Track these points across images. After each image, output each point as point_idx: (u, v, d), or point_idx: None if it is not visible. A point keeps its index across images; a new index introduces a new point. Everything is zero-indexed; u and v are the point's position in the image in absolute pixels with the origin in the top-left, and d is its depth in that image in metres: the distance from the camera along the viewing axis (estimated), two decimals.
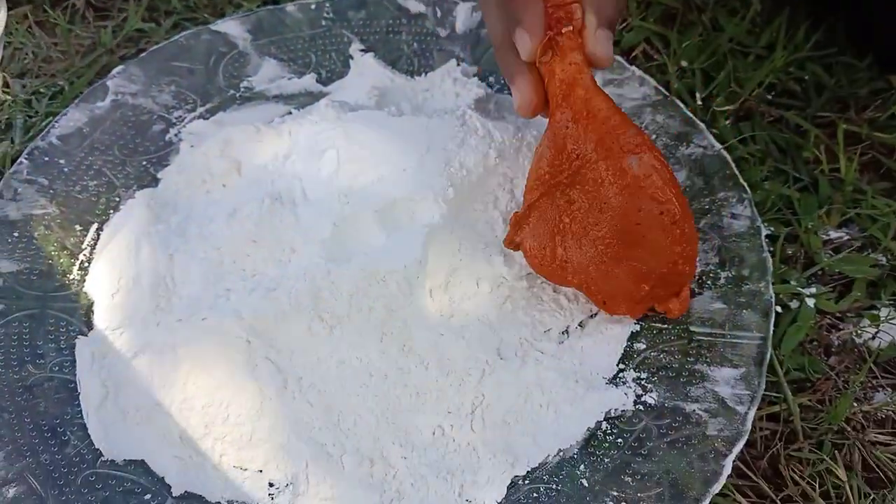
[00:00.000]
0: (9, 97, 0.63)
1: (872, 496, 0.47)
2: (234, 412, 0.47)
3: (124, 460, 0.47)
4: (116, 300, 0.52)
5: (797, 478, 0.48)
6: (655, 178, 0.45)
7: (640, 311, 0.50)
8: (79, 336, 0.51)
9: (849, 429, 0.50)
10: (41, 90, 0.64)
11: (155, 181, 0.57)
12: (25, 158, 0.57)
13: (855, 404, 0.50)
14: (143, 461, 0.47)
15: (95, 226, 0.55)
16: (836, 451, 0.49)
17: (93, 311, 0.52)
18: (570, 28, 0.46)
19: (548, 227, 0.48)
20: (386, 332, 0.49)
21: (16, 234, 0.54)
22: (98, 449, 0.47)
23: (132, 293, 0.51)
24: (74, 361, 0.50)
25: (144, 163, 0.58)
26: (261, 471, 0.47)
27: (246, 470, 0.47)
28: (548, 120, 0.48)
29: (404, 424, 0.48)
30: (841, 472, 0.48)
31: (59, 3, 0.69)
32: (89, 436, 0.48)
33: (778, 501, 0.47)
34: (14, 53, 0.66)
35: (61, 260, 0.54)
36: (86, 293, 0.53)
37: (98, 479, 0.46)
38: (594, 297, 0.49)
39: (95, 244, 0.55)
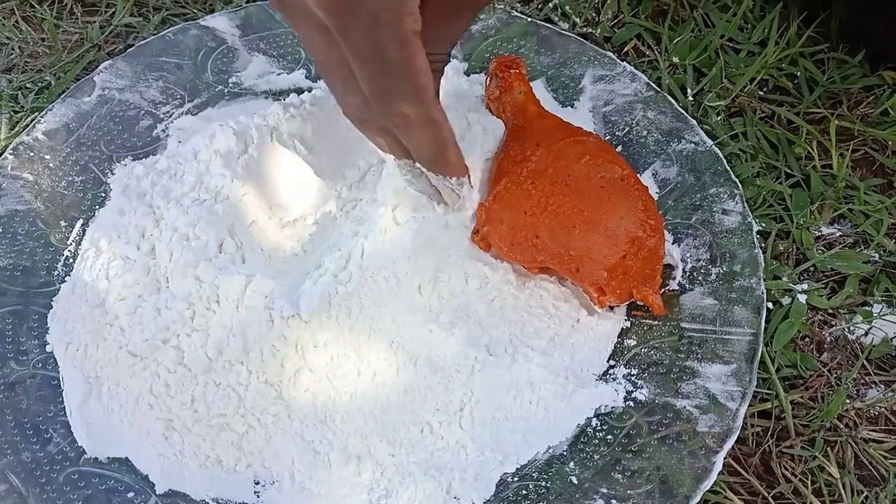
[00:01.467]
0: None
1: (865, 493, 0.47)
2: (219, 410, 0.46)
3: (108, 458, 0.47)
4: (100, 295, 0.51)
5: (789, 475, 0.48)
6: (611, 150, 0.53)
7: (619, 292, 0.50)
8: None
9: (841, 426, 0.49)
10: (27, 85, 0.63)
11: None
12: (10, 153, 0.56)
13: (847, 401, 0.50)
14: (126, 459, 0.47)
15: (81, 221, 0.55)
16: (828, 449, 0.48)
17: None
18: (516, 71, 0.56)
19: (517, 210, 0.51)
20: (374, 328, 0.48)
21: (0, 230, 0.54)
22: (81, 446, 0.47)
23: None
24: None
25: (131, 158, 0.58)
26: (247, 468, 0.46)
27: (231, 467, 0.46)
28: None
29: (392, 422, 0.47)
30: (833, 470, 0.47)
31: None
32: (72, 433, 0.47)
33: (770, 499, 0.47)
34: (0, 48, 0.65)
35: (46, 256, 0.53)
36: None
37: (81, 477, 0.46)
38: (568, 267, 0.49)
39: (80, 240, 0.54)
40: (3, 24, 0.66)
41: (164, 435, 0.47)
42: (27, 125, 0.59)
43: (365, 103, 0.42)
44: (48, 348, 0.50)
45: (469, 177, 0.50)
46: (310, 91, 0.60)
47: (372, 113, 0.42)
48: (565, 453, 0.47)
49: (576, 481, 0.46)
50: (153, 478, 0.46)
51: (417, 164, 0.47)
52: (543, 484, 0.46)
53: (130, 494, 0.45)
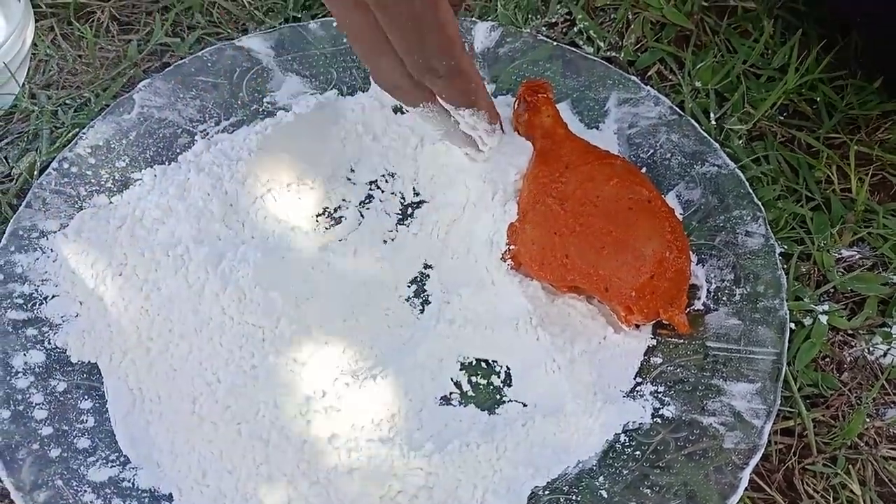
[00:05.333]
0: (35, 108, 0.64)
1: None
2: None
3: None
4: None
5: (811, 491, 0.49)
6: (638, 172, 0.55)
7: (646, 311, 0.51)
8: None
9: (862, 444, 0.51)
10: (67, 101, 0.65)
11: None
12: (54, 169, 0.58)
13: (868, 420, 0.51)
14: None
15: None
16: (849, 466, 0.50)
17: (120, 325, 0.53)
18: (544, 95, 0.58)
19: (547, 230, 0.52)
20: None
21: (45, 244, 0.55)
22: (126, 455, 0.48)
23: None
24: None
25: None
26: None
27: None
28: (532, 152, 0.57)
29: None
30: (855, 487, 0.49)
31: (83, 17, 0.70)
32: (117, 442, 0.49)
33: None
34: (39, 65, 0.67)
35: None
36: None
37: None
38: (597, 286, 0.51)
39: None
40: (42, 41, 0.68)
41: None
42: (68, 141, 0.61)
43: (397, 66, 0.46)
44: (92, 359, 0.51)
45: (501, 123, 0.55)
46: None
47: (404, 75, 0.47)
48: (595, 468, 0.48)
49: (605, 495, 0.47)
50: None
51: (452, 113, 0.51)
52: (574, 498, 0.47)
53: None
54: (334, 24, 0.66)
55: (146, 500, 0.46)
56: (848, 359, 0.54)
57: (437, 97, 0.50)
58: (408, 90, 0.49)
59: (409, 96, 0.50)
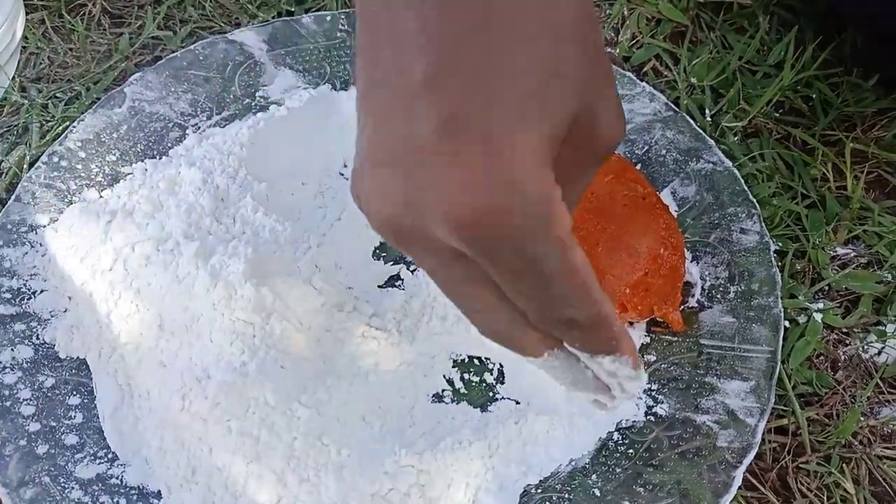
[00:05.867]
0: (25, 101, 0.63)
1: None
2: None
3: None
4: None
5: (805, 490, 0.49)
6: (633, 169, 0.55)
7: (640, 308, 0.51)
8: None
9: (856, 443, 0.50)
10: (57, 95, 0.64)
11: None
12: (43, 163, 0.57)
13: (862, 418, 0.51)
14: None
15: None
16: (843, 465, 0.49)
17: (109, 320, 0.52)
18: None
19: None
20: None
21: (34, 238, 0.55)
22: (114, 452, 0.48)
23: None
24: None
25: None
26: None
27: None
28: None
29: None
30: (849, 486, 0.48)
31: (75, 10, 0.70)
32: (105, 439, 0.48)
33: None
34: (30, 58, 0.66)
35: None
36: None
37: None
38: None
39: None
40: (33, 34, 0.67)
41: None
42: (59, 135, 0.60)
43: (516, 320, 0.36)
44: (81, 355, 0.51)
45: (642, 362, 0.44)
46: None
47: (524, 326, 0.36)
48: (587, 466, 0.48)
49: (598, 494, 0.47)
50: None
51: (586, 361, 0.39)
52: (566, 496, 0.47)
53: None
54: (328, 17, 0.65)
55: (134, 497, 0.46)
56: (842, 357, 0.54)
57: (570, 346, 0.38)
58: (529, 343, 0.38)
59: (530, 348, 0.38)
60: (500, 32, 0.29)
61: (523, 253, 0.31)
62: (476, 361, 0.52)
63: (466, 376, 0.52)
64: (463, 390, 0.51)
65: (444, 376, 0.51)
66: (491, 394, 0.51)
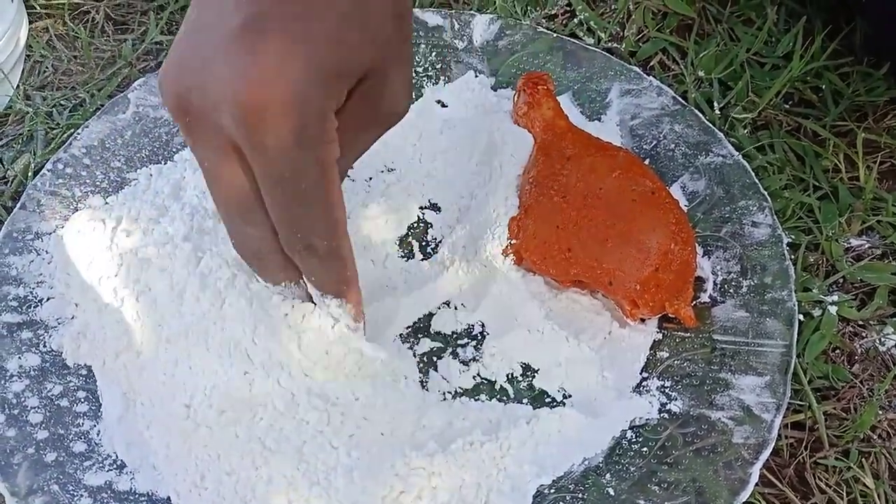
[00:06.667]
0: (30, 109, 0.63)
1: None
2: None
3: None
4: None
5: (823, 486, 0.48)
6: (642, 164, 0.54)
7: (651, 304, 0.50)
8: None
9: (875, 437, 0.49)
10: (62, 102, 0.64)
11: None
12: (48, 170, 0.57)
13: (880, 412, 0.50)
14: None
15: None
16: (862, 459, 0.48)
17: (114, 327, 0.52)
18: (544, 87, 0.57)
19: (549, 223, 0.51)
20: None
21: (40, 245, 0.54)
22: (122, 460, 0.47)
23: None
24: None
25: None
26: None
27: None
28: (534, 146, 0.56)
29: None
30: (868, 480, 0.47)
31: (78, 17, 0.70)
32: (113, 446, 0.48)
33: None
34: (34, 66, 0.66)
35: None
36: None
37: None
38: (600, 280, 0.50)
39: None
40: (37, 43, 0.67)
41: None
42: (63, 142, 0.60)
43: (266, 236, 0.40)
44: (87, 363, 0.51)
45: (364, 322, 0.47)
46: None
47: (272, 249, 0.41)
48: (601, 465, 0.47)
49: (612, 493, 0.46)
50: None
51: (315, 300, 0.45)
52: (580, 496, 0.46)
53: None
54: None
55: (143, 503, 0.46)
56: (859, 350, 0.53)
57: (306, 279, 0.44)
58: (272, 265, 0.43)
59: (271, 272, 0.44)
60: None
61: (289, 158, 0.35)
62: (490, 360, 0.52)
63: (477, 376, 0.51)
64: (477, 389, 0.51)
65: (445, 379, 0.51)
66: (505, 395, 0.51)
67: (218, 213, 0.41)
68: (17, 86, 0.64)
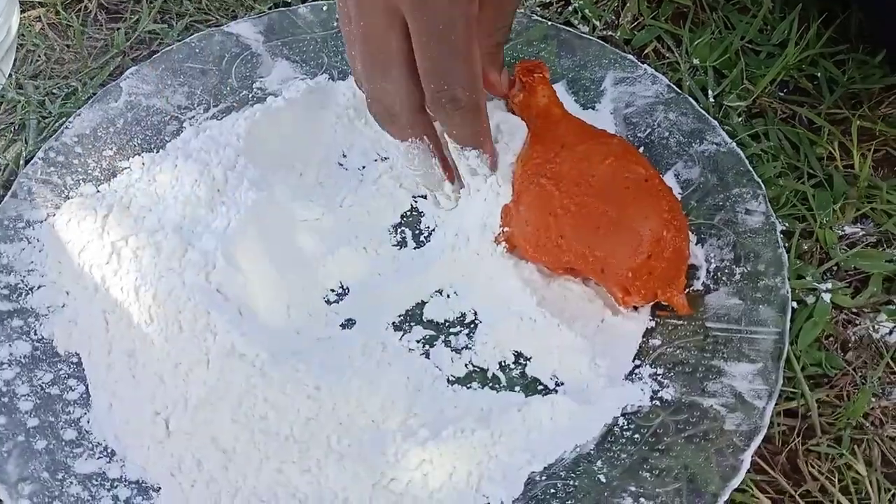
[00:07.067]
0: (22, 98, 0.63)
1: (893, 491, 0.47)
2: None
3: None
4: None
5: (816, 473, 0.48)
6: (635, 151, 0.54)
7: (644, 292, 0.50)
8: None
9: (867, 424, 0.49)
10: (54, 91, 0.64)
11: None
12: (40, 159, 0.57)
13: (873, 399, 0.50)
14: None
15: None
16: (855, 447, 0.48)
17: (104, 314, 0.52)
18: (539, 75, 0.56)
19: (541, 211, 0.51)
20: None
21: (31, 234, 0.54)
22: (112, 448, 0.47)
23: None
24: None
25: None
26: None
27: None
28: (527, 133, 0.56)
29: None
30: (861, 467, 0.47)
31: (71, 6, 0.69)
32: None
33: (797, 497, 0.47)
34: (27, 55, 0.66)
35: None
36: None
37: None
38: (593, 268, 0.50)
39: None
40: (30, 31, 0.67)
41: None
42: (55, 130, 0.60)
43: (401, 93, 0.46)
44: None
45: (497, 161, 0.53)
46: None
47: (407, 106, 0.46)
48: (592, 452, 0.47)
49: (604, 480, 0.46)
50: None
51: (454, 154, 0.52)
52: (571, 482, 0.46)
53: None
54: (324, 8, 0.65)
55: (134, 490, 0.45)
56: (852, 337, 0.53)
57: (447, 135, 0.50)
58: (404, 121, 0.48)
59: (402, 128, 0.49)
60: None
61: (443, 12, 0.42)
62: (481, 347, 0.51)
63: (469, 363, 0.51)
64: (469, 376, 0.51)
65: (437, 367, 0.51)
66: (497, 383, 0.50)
67: (360, 75, 0.47)
68: (10, 74, 0.64)
